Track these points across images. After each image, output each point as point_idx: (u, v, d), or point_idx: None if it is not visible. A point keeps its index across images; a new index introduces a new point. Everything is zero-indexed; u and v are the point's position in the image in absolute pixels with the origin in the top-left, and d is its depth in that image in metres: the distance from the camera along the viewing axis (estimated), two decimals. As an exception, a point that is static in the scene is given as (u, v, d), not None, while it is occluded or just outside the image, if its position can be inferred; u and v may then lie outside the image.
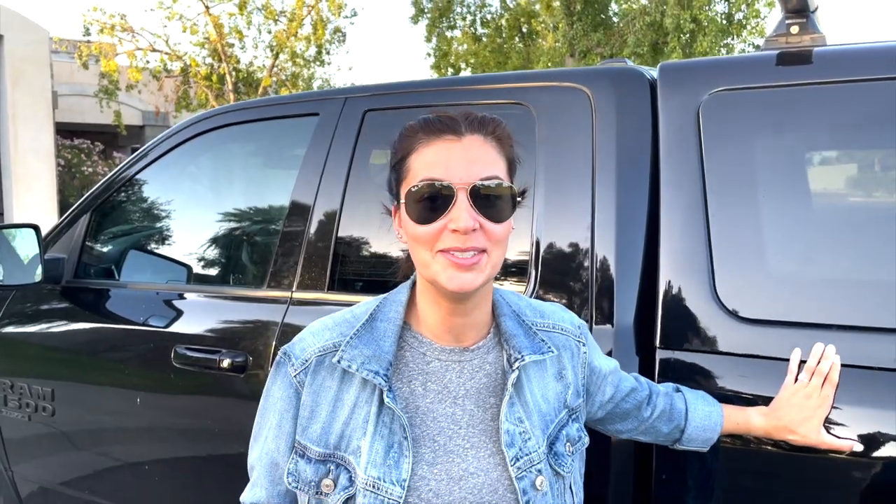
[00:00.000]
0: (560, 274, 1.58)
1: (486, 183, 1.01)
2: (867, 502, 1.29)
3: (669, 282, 1.48)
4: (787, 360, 1.34)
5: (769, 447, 1.35)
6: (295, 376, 1.10)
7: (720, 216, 1.46)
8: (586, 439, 1.20)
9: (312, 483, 1.07)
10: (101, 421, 2.22)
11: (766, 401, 1.35)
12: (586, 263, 1.55)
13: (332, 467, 1.07)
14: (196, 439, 2.03)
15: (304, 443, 1.09)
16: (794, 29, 1.57)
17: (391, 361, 1.07)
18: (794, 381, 1.32)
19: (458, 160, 1.01)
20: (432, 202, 1.01)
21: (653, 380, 1.44)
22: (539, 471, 1.09)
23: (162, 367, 2.01)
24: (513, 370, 1.10)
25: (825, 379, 1.30)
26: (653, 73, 1.65)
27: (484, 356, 1.12)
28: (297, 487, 1.09)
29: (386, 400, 1.04)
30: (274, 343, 1.85)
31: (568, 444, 1.16)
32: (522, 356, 1.11)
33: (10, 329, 2.40)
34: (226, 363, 1.89)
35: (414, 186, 1.02)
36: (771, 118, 1.50)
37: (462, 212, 0.99)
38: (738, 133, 1.50)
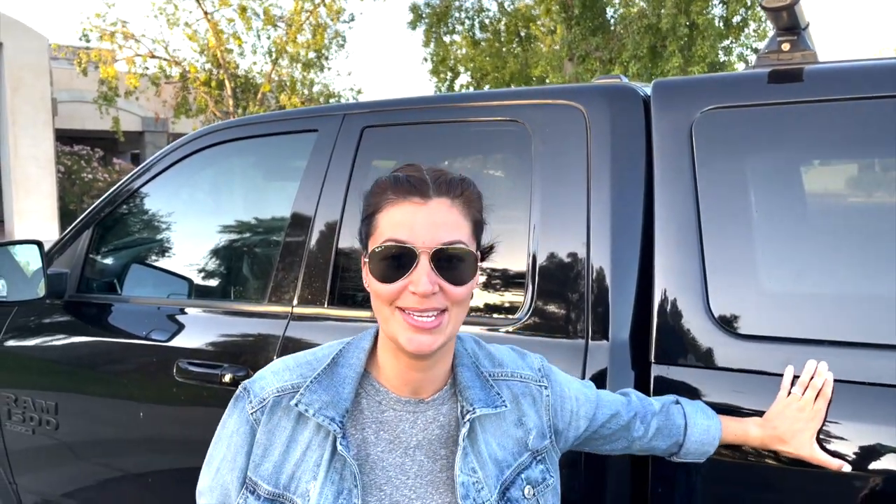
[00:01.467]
0: (556, 288, 1.60)
1: (448, 247, 1.03)
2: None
3: (664, 297, 1.50)
4: (781, 375, 1.36)
5: (766, 461, 1.37)
6: (252, 413, 1.12)
7: (713, 232, 1.48)
8: (552, 480, 1.21)
9: None
10: (105, 434, 2.24)
11: (759, 415, 1.38)
12: (582, 278, 1.57)
13: None
14: (198, 453, 2.04)
15: (255, 479, 1.11)
16: (786, 46, 1.60)
17: (348, 408, 1.09)
18: (787, 394, 1.34)
19: (423, 223, 1.04)
20: (395, 262, 1.03)
21: (648, 393, 1.46)
22: None
23: (164, 381, 2.03)
24: (464, 423, 1.12)
25: (818, 393, 1.32)
26: (646, 89, 1.68)
27: (438, 407, 1.14)
28: None
29: (339, 447, 1.06)
30: (275, 357, 1.87)
31: (528, 486, 1.18)
32: (474, 409, 1.13)
33: (13, 343, 2.43)
34: (227, 378, 1.91)
35: (378, 247, 1.04)
36: (763, 136, 1.53)
37: (422, 276, 1.02)
38: (731, 150, 1.53)
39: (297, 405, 1.09)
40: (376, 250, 1.05)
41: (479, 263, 1.10)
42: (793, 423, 1.32)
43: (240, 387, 1.16)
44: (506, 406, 1.17)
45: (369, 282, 1.08)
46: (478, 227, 1.11)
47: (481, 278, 1.14)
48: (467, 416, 1.12)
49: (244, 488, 1.12)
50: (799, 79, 1.53)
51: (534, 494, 1.18)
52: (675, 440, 1.36)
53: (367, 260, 1.08)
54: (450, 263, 1.04)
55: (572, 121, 1.66)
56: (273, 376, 1.14)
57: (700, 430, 1.35)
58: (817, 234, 1.53)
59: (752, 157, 1.54)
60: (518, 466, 1.18)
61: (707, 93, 1.57)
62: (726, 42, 14.64)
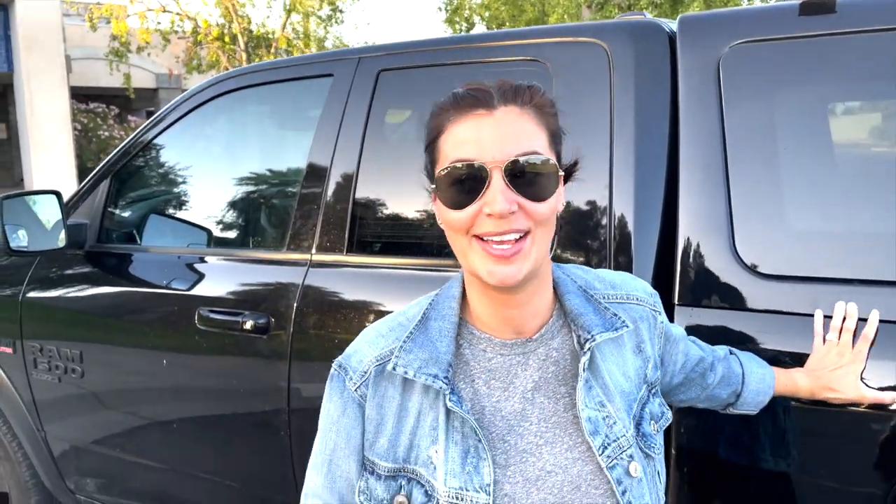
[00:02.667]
0: (578, 232, 1.58)
1: (523, 159, 0.91)
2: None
3: (688, 239, 1.47)
4: (808, 315, 1.34)
5: (790, 402, 1.36)
6: (356, 390, 1.03)
7: (740, 171, 1.45)
8: (669, 414, 1.11)
9: (385, 501, 1.00)
10: (129, 381, 2.27)
11: (785, 356, 1.36)
12: (604, 221, 1.54)
13: (403, 483, 0.99)
14: (221, 399, 2.08)
15: (372, 458, 1.02)
16: (818, -24, 1.53)
17: (450, 362, 0.98)
18: (822, 342, 1.31)
19: (490, 136, 0.92)
20: (464, 185, 0.92)
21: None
22: (631, 456, 1.00)
23: (186, 329, 2.05)
24: (584, 352, 1.00)
25: (856, 335, 1.29)
26: (672, 26, 1.62)
27: (548, 343, 1.03)
28: None
29: (449, 404, 0.96)
30: (295, 304, 1.87)
31: (652, 422, 1.07)
32: (593, 336, 1.01)
33: (37, 294, 2.45)
34: (248, 325, 1.92)
35: (444, 170, 0.93)
36: (793, 71, 1.47)
37: (497, 194, 0.90)
38: (760, 87, 1.48)
39: (394, 369, 0.99)
40: (442, 174, 0.93)
41: (561, 185, 0.98)
42: (835, 370, 1.28)
43: (334, 366, 1.06)
44: (627, 326, 1.05)
45: (441, 215, 0.97)
46: (555, 139, 0.98)
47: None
48: (587, 345, 1.00)
49: (364, 470, 1.02)
50: (831, 10, 1.47)
51: (657, 430, 1.07)
52: (734, 389, 1.29)
53: (435, 191, 0.96)
54: (527, 177, 0.91)
55: (595, 59, 1.61)
56: (368, 346, 1.04)
57: (756, 379, 1.29)
58: (847, 172, 1.49)
59: (781, 93, 1.49)
60: (641, 399, 1.07)
61: (736, 26, 1.52)
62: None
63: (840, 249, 1.39)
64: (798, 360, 1.35)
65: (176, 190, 2.56)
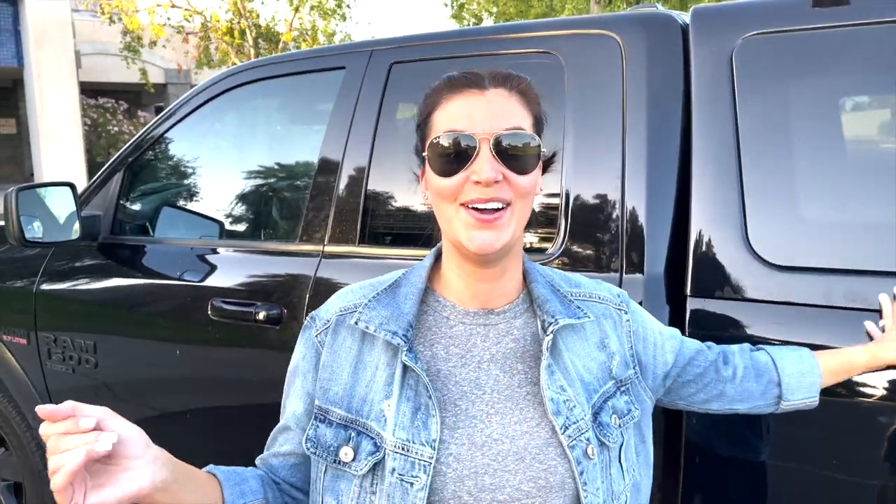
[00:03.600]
0: (590, 224, 1.58)
1: (509, 133, 0.98)
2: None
3: (701, 230, 1.47)
4: (821, 306, 1.34)
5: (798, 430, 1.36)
6: (316, 336, 1.09)
7: (753, 163, 1.45)
8: (637, 413, 1.14)
9: (331, 449, 1.04)
10: (143, 372, 2.29)
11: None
12: (616, 213, 1.55)
13: (352, 434, 1.04)
14: (234, 389, 2.09)
15: (324, 406, 1.06)
16: (832, -32, 1.53)
17: (411, 322, 1.04)
18: (881, 331, 1.30)
19: (481, 112, 0.99)
20: (454, 154, 0.99)
21: (683, 328, 1.45)
22: (588, 440, 1.04)
23: (199, 320, 2.06)
24: (547, 334, 1.05)
25: None
26: (684, 17, 1.63)
27: (511, 321, 1.09)
28: (315, 453, 1.06)
29: (404, 359, 1.02)
30: (307, 295, 1.88)
31: (614, 416, 1.10)
32: (556, 320, 1.06)
33: (51, 286, 2.47)
34: (261, 315, 1.93)
35: (436, 138, 1.00)
36: (806, 62, 1.47)
37: (485, 163, 0.97)
38: (773, 78, 1.48)
39: (356, 323, 1.05)
40: (434, 141, 1.00)
41: (541, 167, 1.03)
42: None
43: (307, 317, 1.14)
44: (589, 317, 1.10)
45: (429, 182, 1.03)
46: (539, 125, 1.05)
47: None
48: (550, 328, 1.05)
49: (313, 418, 1.07)
50: (845, 1, 1.47)
51: (619, 425, 1.10)
52: (768, 378, 1.26)
53: (426, 158, 1.02)
54: (513, 151, 0.98)
55: (607, 51, 1.62)
56: (337, 298, 1.12)
57: (792, 361, 1.27)
58: (859, 163, 1.49)
59: (794, 85, 1.49)
60: (604, 393, 1.10)
61: (749, 18, 1.52)
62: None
63: (853, 240, 1.39)
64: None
65: (188, 182, 2.58)
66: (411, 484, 0.99)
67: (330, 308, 1.11)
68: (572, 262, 1.59)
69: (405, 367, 1.03)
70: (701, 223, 1.48)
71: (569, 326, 1.08)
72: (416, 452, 1.00)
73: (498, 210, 0.98)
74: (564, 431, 1.03)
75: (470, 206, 0.98)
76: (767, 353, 1.28)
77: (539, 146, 1.01)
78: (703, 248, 1.47)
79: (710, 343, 1.29)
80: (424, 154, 1.04)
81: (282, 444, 1.14)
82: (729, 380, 1.25)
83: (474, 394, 1.05)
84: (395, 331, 1.03)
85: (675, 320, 1.46)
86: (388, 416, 1.02)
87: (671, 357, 1.21)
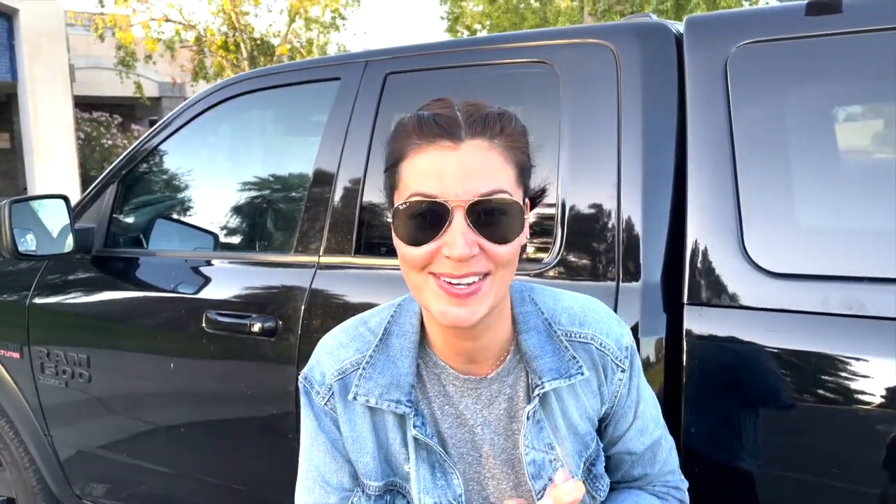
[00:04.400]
0: (586, 233, 1.58)
1: (487, 199, 0.86)
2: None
3: (697, 238, 1.47)
4: (817, 313, 1.33)
5: (799, 400, 1.36)
6: (325, 404, 1.01)
7: (749, 171, 1.45)
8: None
9: None
10: (137, 386, 2.27)
11: (794, 355, 1.35)
12: (612, 222, 1.54)
13: (388, 498, 1.00)
14: (229, 402, 2.08)
15: (362, 480, 1.01)
16: (824, -23, 1.54)
17: (412, 384, 0.97)
18: None
19: (454, 172, 0.86)
20: (423, 220, 0.87)
21: (680, 336, 1.44)
22: None
23: (194, 333, 2.05)
24: (533, 398, 0.98)
25: None
26: (678, 27, 1.63)
27: (503, 380, 1.01)
28: None
29: (414, 432, 0.97)
30: (303, 307, 1.87)
31: (603, 465, 1.08)
32: (542, 382, 0.98)
33: (44, 300, 2.45)
34: (256, 328, 1.92)
35: (403, 204, 0.88)
36: (800, 70, 1.48)
37: (457, 236, 0.85)
38: (767, 86, 1.48)
39: (355, 398, 0.97)
40: (400, 208, 0.88)
41: (527, 215, 0.93)
42: None
43: (300, 378, 1.04)
44: (582, 374, 1.00)
45: (397, 247, 0.92)
46: (524, 172, 0.93)
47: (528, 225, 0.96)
48: (536, 391, 0.98)
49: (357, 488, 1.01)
50: (838, 9, 1.47)
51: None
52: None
53: (392, 222, 0.91)
54: (490, 218, 0.86)
55: (602, 60, 1.62)
56: (329, 357, 1.02)
57: None
58: (854, 171, 1.49)
59: (789, 93, 1.49)
60: (595, 438, 1.06)
61: (743, 27, 1.52)
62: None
63: (849, 247, 1.39)
64: (806, 359, 1.34)
65: (183, 194, 2.57)
66: None
67: (325, 370, 1.01)
68: (569, 272, 1.58)
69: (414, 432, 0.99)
70: (697, 231, 1.47)
71: (546, 390, 0.99)
72: None
73: (473, 283, 0.88)
74: (540, 497, 0.97)
75: (441, 277, 0.88)
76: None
77: (521, 208, 0.90)
78: (700, 256, 1.47)
79: (671, 463, 1.19)
80: (390, 213, 0.92)
81: None
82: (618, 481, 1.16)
83: (471, 455, 1.01)
84: (398, 399, 0.97)
85: (673, 329, 1.45)
86: (411, 480, 0.99)
87: (622, 447, 1.12)
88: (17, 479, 2.64)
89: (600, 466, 1.05)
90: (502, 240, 0.88)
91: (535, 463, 0.99)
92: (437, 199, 0.86)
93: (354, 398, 0.98)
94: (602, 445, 1.11)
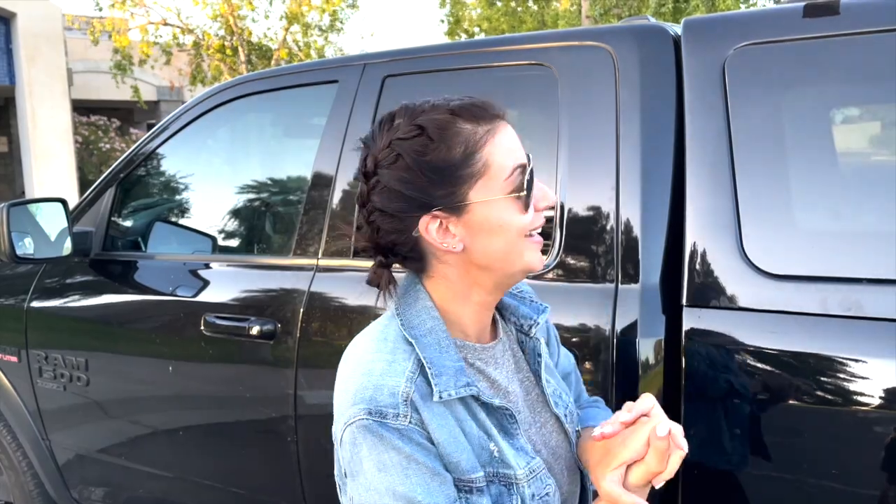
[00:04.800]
0: (585, 235, 1.58)
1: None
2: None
3: (696, 240, 1.47)
4: (816, 315, 1.33)
5: (799, 402, 1.36)
6: (408, 422, 0.93)
7: (747, 172, 1.45)
8: None
9: None
10: (135, 389, 2.27)
11: (794, 356, 1.35)
12: (611, 224, 1.54)
13: (491, 489, 0.99)
14: (227, 406, 2.07)
15: (465, 478, 0.96)
16: (821, -21, 1.54)
17: (464, 367, 1.00)
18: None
19: (518, 141, 1.01)
20: (528, 187, 0.99)
21: (679, 338, 1.44)
22: (575, 423, 1.14)
23: (192, 336, 2.05)
24: (531, 336, 1.13)
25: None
26: (676, 29, 1.63)
27: (505, 343, 1.12)
28: None
29: (488, 400, 1.00)
30: (301, 310, 1.87)
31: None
32: (535, 320, 1.13)
33: (42, 303, 2.45)
34: (255, 331, 1.91)
35: (528, 178, 0.98)
36: (798, 72, 1.48)
37: (546, 187, 1.01)
38: (765, 88, 1.48)
39: (441, 398, 0.94)
40: (527, 181, 0.98)
41: None
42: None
43: (359, 422, 0.93)
44: (547, 307, 1.17)
45: (499, 223, 0.97)
46: None
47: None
48: (533, 330, 1.12)
49: (460, 491, 0.96)
50: (836, 11, 1.48)
51: None
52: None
53: (500, 199, 0.96)
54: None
55: (600, 62, 1.62)
56: (386, 376, 0.95)
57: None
58: (853, 172, 1.49)
59: (787, 95, 1.49)
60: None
61: (740, 29, 1.52)
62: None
63: (848, 249, 1.39)
64: (805, 360, 1.35)
65: (181, 197, 2.57)
66: (548, 494, 1.03)
67: (394, 389, 0.94)
68: (567, 274, 1.58)
69: (484, 407, 1.01)
70: (696, 233, 1.47)
71: (541, 324, 1.14)
72: (538, 467, 1.03)
73: None
74: (567, 420, 1.12)
75: (533, 232, 1.01)
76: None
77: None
78: (699, 258, 1.47)
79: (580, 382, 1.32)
80: (468, 203, 0.96)
81: None
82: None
83: (513, 417, 1.05)
84: (467, 383, 0.97)
85: (672, 330, 1.45)
86: (503, 455, 1.00)
87: (558, 360, 1.26)
88: (16, 483, 2.63)
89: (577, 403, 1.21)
90: None
91: (552, 395, 1.11)
92: (528, 165, 0.99)
93: (440, 398, 0.94)
94: None
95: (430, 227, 0.97)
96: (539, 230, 1.02)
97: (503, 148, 0.97)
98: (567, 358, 1.29)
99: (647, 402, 1.02)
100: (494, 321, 1.11)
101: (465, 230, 0.98)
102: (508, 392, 1.08)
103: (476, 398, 1.00)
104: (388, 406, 0.92)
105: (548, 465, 1.07)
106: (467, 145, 0.96)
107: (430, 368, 0.95)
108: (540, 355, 1.13)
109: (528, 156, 1.01)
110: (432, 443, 0.94)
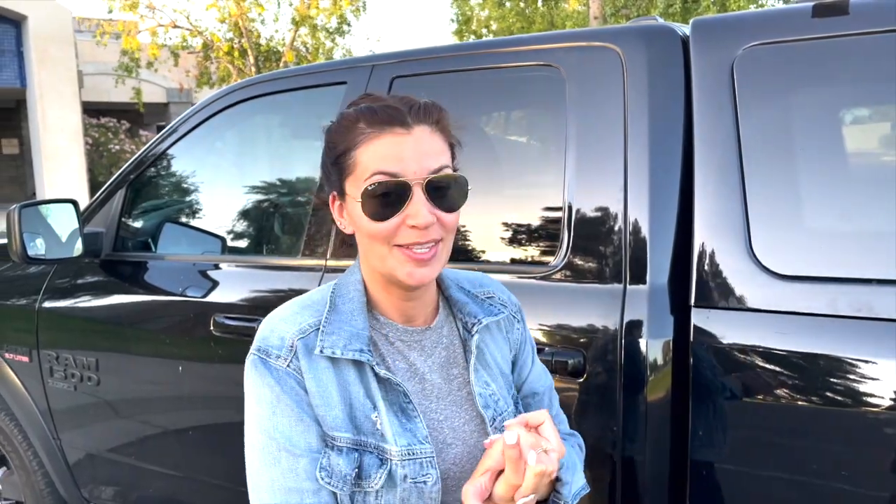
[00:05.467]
0: (592, 236, 1.58)
1: (439, 175, 1.01)
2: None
3: (704, 240, 1.47)
4: (825, 315, 1.33)
5: (807, 403, 1.35)
6: (287, 365, 1.03)
7: (756, 172, 1.45)
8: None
9: (348, 477, 1.01)
10: (145, 389, 2.28)
11: (802, 357, 1.35)
12: (619, 225, 1.54)
13: (358, 455, 1.03)
14: (236, 406, 2.08)
15: (330, 434, 1.03)
16: (830, -21, 1.54)
17: (369, 337, 1.06)
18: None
19: (410, 153, 1.00)
20: (387, 198, 1.00)
21: (687, 339, 1.44)
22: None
23: (202, 336, 2.06)
24: (472, 335, 1.14)
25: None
26: (685, 29, 1.63)
27: (439, 331, 1.14)
28: (330, 484, 1.01)
29: (379, 371, 1.05)
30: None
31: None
32: (479, 319, 1.14)
33: (53, 304, 2.47)
34: (264, 331, 1.92)
35: (370, 185, 1.00)
36: (806, 72, 1.48)
37: (420, 207, 1.00)
38: (774, 88, 1.48)
39: (322, 352, 1.03)
40: (368, 188, 1.00)
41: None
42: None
43: (251, 356, 1.06)
44: (503, 312, 1.19)
45: (358, 222, 1.04)
46: (454, 153, 1.09)
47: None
48: (475, 329, 1.14)
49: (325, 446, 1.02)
50: (844, 12, 1.47)
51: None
52: None
53: (346, 198, 1.05)
54: (441, 191, 1.02)
55: (608, 63, 1.62)
56: (284, 323, 1.06)
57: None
58: (861, 172, 1.49)
59: (795, 95, 1.49)
60: (513, 382, 1.21)
61: (749, 29, 1.52)
62: (762, -2, 14.25)
63: (857, 249, 1.38)
64: (813, 361, 1.34)
65: (190, 198, 2.58)
66: (424, 482, 1.04)
67: (284, 334, 1.04)
68: (575, 274, 1.58)
69: (378, 379, 1.06)
70: (704, 233, 1.47)
71: (485, 325, 1.16)
72: (420, 452, 1.05)
73: (431, 247, 1.03)
74: (492, 423, 1.11)
75: (407, 247, 1.02)
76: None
77: (465, 181, 1.06)
78: (707, 258, 1.46)
79: (555, 402, 1.30)
80: (346, 193, 1.05)
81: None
82: None
83: (423, 404, 1.10)
84: (360, 348, 1.05)
85: (680, 331, 1.45)
86: (382, 428, 1.04)
87: (525, 374, 1.26)
88: (26, 482, 2.65)
89: (521, 407, 1.20)
90: (452, 209, 1.04)
91: (482, 395, 1.12)
92: (401, 178, 1.00)
93: (321, 352, 1.03)
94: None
95: (333, 205, 1.10)
96: (419, 245, 1.01)
97: (375, 153, 1.01)
98: (540, 377, 1.28)
99: (539, 415, 1.01)
100: (439, 312, 1.16)
101: (348, 216, 1.08)
102: (425, 379, 1.11)
103: (371, 368, 1.06)
104: (274, 347, 1.04)
105: (460, 461, 1.08)
106: (349, 142, 1.03)
107: (324, 327, 1.05)
108: (472, 354, 1.13)
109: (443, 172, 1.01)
110: (306, 391, 1.03)
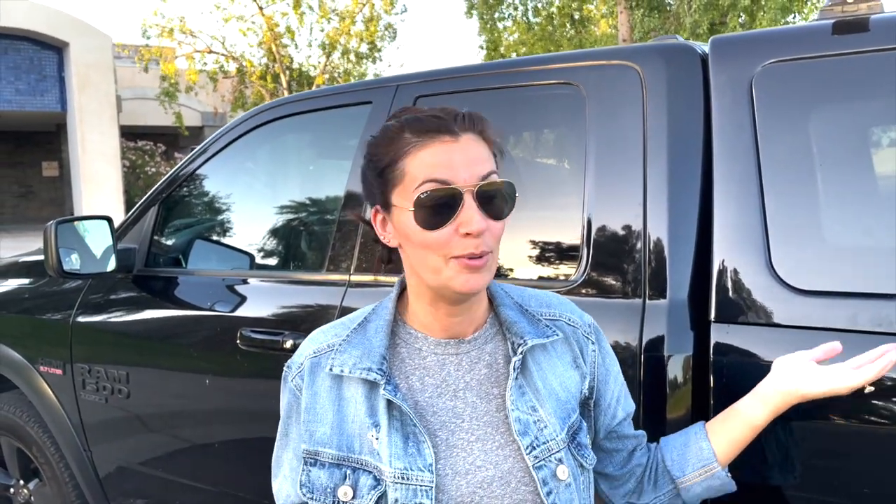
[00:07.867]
0: (612, 252, 1.59)
1: (489, 181, 1.00)
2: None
3: (724, 256, 1.47)
4: (845, 331, 1.32)
5: (828, 420, 1.34)
6: (292, 381, 1.11)
7: (776, 189, 1.45)
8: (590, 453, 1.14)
9: (328, 490, 1.04)
10: (173, 402, 2.32)
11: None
12: (639, 242, 1.55)
13: (348, 472, 1.04)
14: (262, 419, 2.11)
15: (313, 449, 1.07)
16: (851, -3, 1.54)
17: (384, 355, 1.05)
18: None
19: (460, 161, 0.99)
20: (441, 207, 0.98)
21: (707, 354, 1.44)
22: (560, 460, 1.06)
23: (229, 350, 2.10)
24: (516, 355, 1.07)
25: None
26: (704, 48, 1.65)
27: (482, 347, 1.10)
28: (312, 498, 1.06)
29: (385, 394, 1.03)
30: (334, 324, 1.91)
31: (588, 436, 1.14)
32: (525, 340, 1.08)
33: (87, 317, 2.53)
34: (289, 344, 1.96)
35: (423, 193, 0.98)
36: (826, 89, 1.48)
37: (473, 214, 0.98)
38: (793, 105, 1.49)
39: (331, 370, 1.06)
40: (421, 196, 0.98)
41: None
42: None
43: (285, 368, 1.16)
44: (557, 335, 1.12)
45: (409, 234, 1.01)
46: (498, 162, 1.08)
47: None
48: (520, 349, 1.08)
49: (303, 463, 1.08)
50: (864, 29, 1.48)
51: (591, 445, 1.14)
52: (654, 459, 1.26)
53: (392, 210, 1.03)
54: (490, 199, 1.00)
55: (628, 81, 1.64)
56: (308, 343, 1.13)
57: (675, 436, 1.27)
58: (881, 188, 1.48)
59: (815, 112, 1.49)
60: (580, 413, 1.13)
61: (768, 46, 1.53)
62: (790, 17, 14.17)
63: (877, 264, 1.37)
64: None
65: (220, 216, 2.64)
66: None
67: (302, 352, 1.13)
68: (595, 290, 1.59)
69: (388, 400, 1.04)
70: (724, 249, 1.47)
71: (539, 346, 1.11)
72: (417, 479, 1.01)
73: (483, 255, 1.01)
74: (531, 452, 1.04)
75: (462, 258, 0.99)
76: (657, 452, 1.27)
77: (512, 187, 1.04)
78: (727, 273, 1.46)
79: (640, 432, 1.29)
80: (392, 205, 1.03)
81: None
82: (637, 465, 1.25)
83: (453, 423, 1.06)
84: (369, 367, 1.04)
85: (700, 346, 1.45)
86: (379, 448, 1.03)
87: (621, 414, 1.22)
88: (58, 493, 2.70)
89: (583, 437, 1.12)
90: (499, 216, 1.02)
91: (520, 420, 1.05)
92: (452, 185, 0.98)
93: (330, 370, 1.06)
94: (605, 420, 1.20)
95: (375, 219, 1.10)
96: (470, 253, 0.99)
97: (424, 162, 0.99)
98: (621, 404, 1.23)
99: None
100: (483, 328, 1.13)
101: (395, 229, 1.06)
102: (458, 396, 1.07)
103: (373, 384, 1.05)
104: (294, 364, 1.12)
105: (489, 485, 1.03)
106: (396, 152, 1.02)
107: (339, 346, 1.08)
108: (510, 375, 1.07)
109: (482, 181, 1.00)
110: (301, 408, 1.10)
